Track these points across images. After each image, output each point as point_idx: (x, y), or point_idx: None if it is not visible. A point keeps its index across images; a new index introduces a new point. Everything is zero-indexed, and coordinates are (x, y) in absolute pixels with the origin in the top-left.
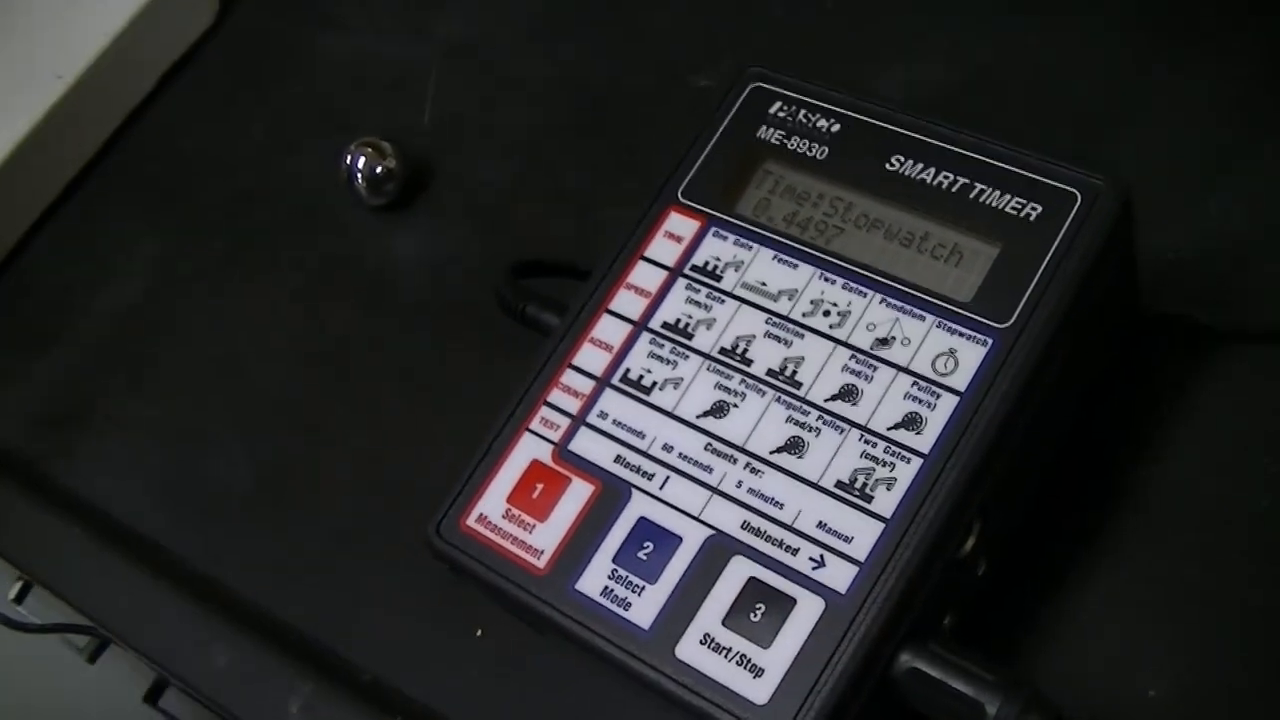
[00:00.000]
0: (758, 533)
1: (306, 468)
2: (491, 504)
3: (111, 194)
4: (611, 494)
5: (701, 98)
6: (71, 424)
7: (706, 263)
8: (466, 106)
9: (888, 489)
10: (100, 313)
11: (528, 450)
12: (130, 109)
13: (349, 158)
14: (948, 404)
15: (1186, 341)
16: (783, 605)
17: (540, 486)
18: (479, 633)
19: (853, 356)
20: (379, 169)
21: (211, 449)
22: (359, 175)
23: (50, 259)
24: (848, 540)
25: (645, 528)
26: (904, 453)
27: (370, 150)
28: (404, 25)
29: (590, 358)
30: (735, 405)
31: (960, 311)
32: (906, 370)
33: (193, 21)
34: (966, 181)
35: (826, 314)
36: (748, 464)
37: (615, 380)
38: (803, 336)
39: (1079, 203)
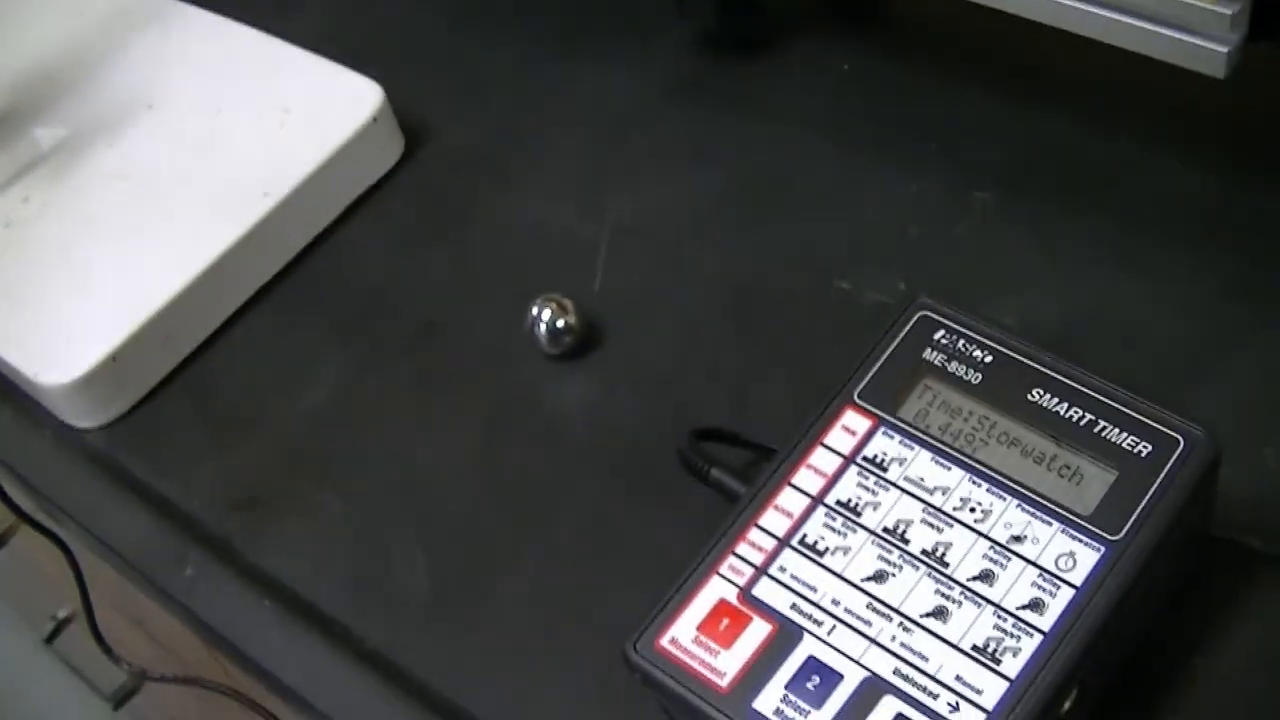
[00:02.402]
0: (906, 678)
1: (482, 581)
2: (683, 630)
3: (299, 306)
4: (786, 634)
5: (844, 300)
6: (261, 508)
7: (876, 456)
8: (633, 278)
9: (1014, 655)
10: (288, 413)
11: (717, 590)
12: (321, 230)
13: (535, 309)
14: (1066, 595)
15: (1244, 562)
16: None
17: (726, 621)
18: None
19: (991, 547)
20: (560, 323)
21: (391, 549)
22: (541, 325)
23: (242, 356)
24: (979, 692)
25: (813, 664)
26: (1028, 629)
27: (554, 305)
28: (579, 196)
29: (774, 521)
30: (893, 574)
31: (1080, 522)
32: (1034, 564)
33: (382, 158)
34: (1092, 418)
35: (972, 510)
36: (901, 623)
37: (794, 542)
38: (952, 526)
39: (1181, 447)
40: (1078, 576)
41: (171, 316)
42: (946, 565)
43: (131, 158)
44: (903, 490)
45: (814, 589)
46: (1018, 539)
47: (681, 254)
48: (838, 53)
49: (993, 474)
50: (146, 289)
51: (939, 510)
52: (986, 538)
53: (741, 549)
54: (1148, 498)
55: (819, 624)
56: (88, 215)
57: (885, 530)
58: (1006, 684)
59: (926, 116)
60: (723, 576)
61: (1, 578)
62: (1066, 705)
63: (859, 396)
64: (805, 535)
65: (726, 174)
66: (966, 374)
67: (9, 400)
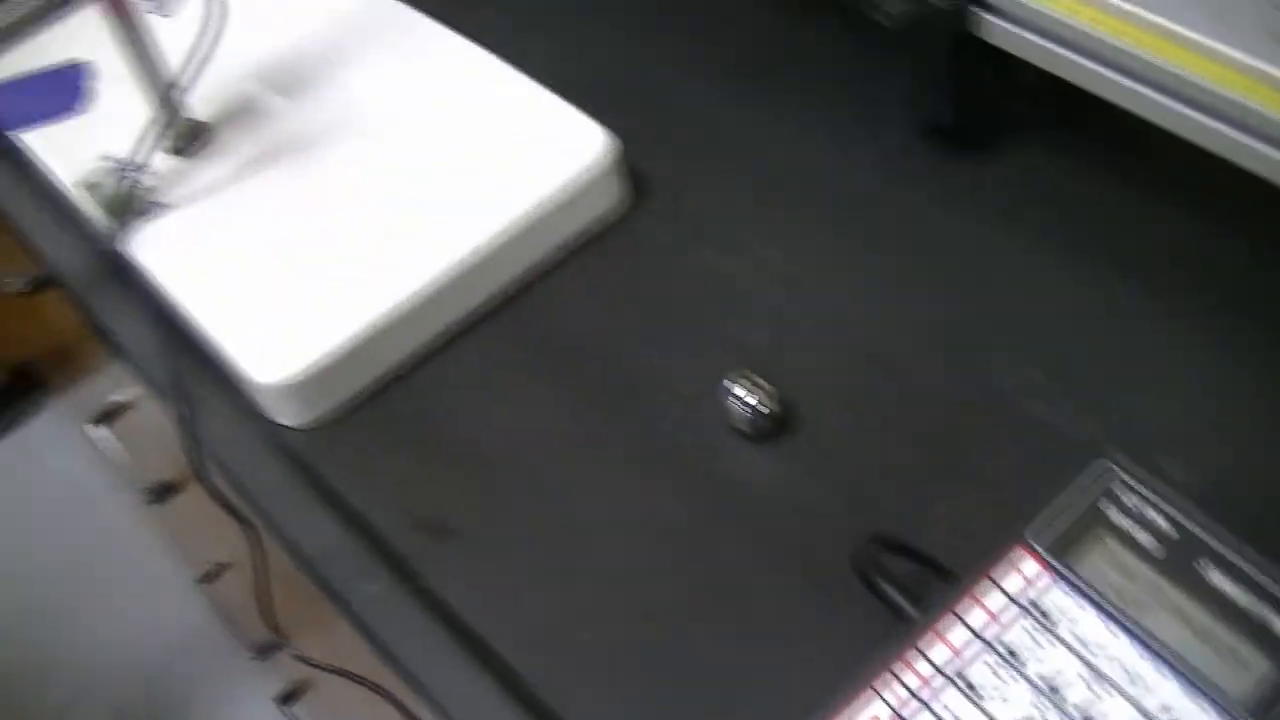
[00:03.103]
0: None
1: (638, 641)
2: None
3: (505, 340)
4: None
5: (1037, 421)
6: (444, 533)
7: (1045, 606)
8: (831, 363)
9: None
10: (480, 444)
11: (872, 708)
12: (537, 268)
13: (731, 383)
14: None
15: None
16: None
17: None
18: None
19: (1142, 714)
20: (754, 402)
21: (559, 593)
22: (735, 401)
23: (444, 380)
24: None
25: None
26: None
27: (750, 384)
28: (788, 270)
29: (938, 652)
30: None
31: (1232, 706)
32: None
33: (606, 206)
34: (1264, 605)
35: (1129, 675)
36: None
37: (956, 679)
38: (1109, 690)
39: None
40: None
41: (386, 332)
42: None
43: (366, 168)
44: (1067, 645)
45: None
46: (1166, 709)
47: (883, 347)
48: (1056, 161)
49: (1155, 643)
50: (366, 301)
51: (1098, 671)
52: (1138, 706)
53: (903, 673)
54: None
55: None
56: (318, 219)
57: (1042, 678)
58: None
59: (1143, 238)
60: (880, 696)
61: (174, 518)
62: None
63: (1035, 540)
64: (968, 674)
65: (936, 267)
66: (1143, 537)
67: (222, 387)
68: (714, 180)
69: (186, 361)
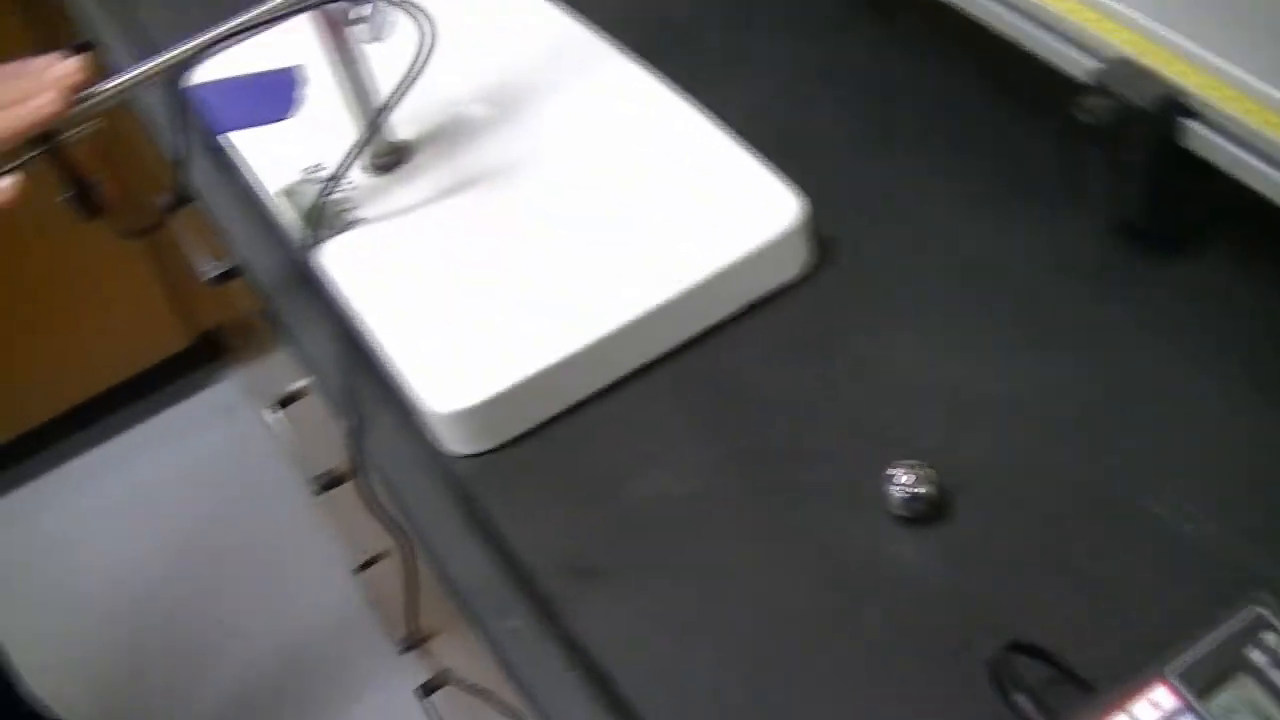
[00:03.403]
0: None
1: (765, 709)
2: None
3: (673, 392)
4: None
5: (1197, 543)
6: (591, 577)
7: None
8: (993, 456)
9: None
10: (637, 493)
11: None
12: (712, 325)
13: (894, 469)
14: None
15: None
16: None
17: None
18: None
19: None
20: (916, 490)
21: (694, 649)
22: (896, 486)
23: (610, 425)
24: None
25: None
26: None
27: (914, 471)
28: (961, 353)
29: None
30: None
31: None
32: None
33: (789, 269)
34: None
35: None
36: None
37: None
38: None
39: None
40: None
41: (561, 373)
42: None
43: (556, 205)
44: None
45: None
46: None
47: (1046, 444)
48: (1243, 273)
49: None
50: (545, 340)
51: None
52: None
53: None
54: None
55: None
56: (504, 251)
57: None
58: None
59: None
60: None
61: (337, 506)
62: None
63: (1172, 674)
64: None
65: (1104, 369)
66: None
67: (394, 404)
68: (895, 254)
69: (362, 375)
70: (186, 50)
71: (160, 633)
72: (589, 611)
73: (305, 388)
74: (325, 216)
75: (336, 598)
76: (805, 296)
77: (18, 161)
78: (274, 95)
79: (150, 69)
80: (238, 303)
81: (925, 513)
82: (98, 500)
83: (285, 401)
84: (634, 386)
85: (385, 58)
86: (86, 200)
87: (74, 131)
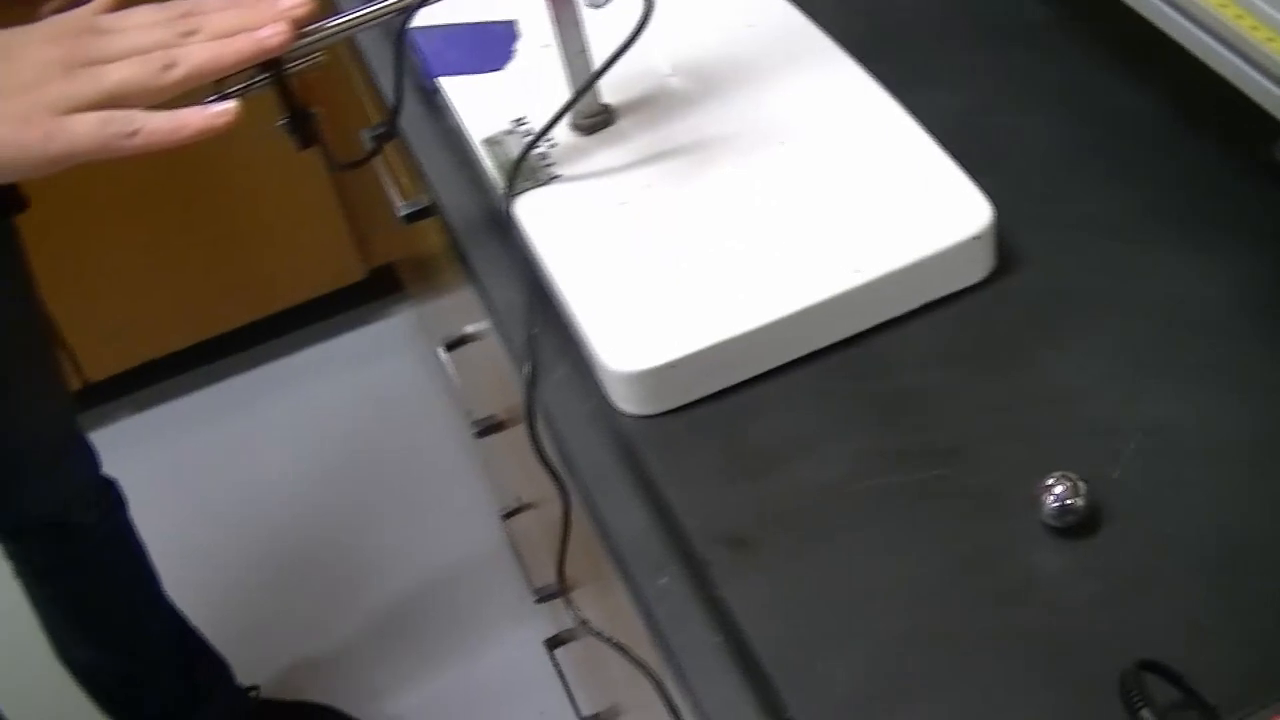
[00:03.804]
0: None
1: (891, 701)
2: None
3: (841, 381)
4: None
5: None
6: (743, 549)
7: None
8: (1154, 480)
9: None
10: (796, 473)
11: None
12: (887, 320)
13: (1050, 479)
14: None
15: None
16: None
17: None
18: None
19: None
20: (1069, 502)
21: (828, 635)
22: (1050, 496)
23: (777, 405)
24: None
25: None
26: None
27: (1070, 484)
28: (1127, 375)
29: None
30: None
31: None
32: None
33: (969, 274)
34: None
35: None
36: None
37: None
38: None
39: None
40: None
41: (739, 346)
42: None
43: (751, 182)
44: None
45: None
46: None
47: (1202, 474)
48: None
49: None
50: (727, 313)
51: None
52: None
53: None
54: None
55: None
56: (695, 222)
57: None
58: None
59: None
60: None
61: (493, 451)
62: None
63: None
64: None
65: (1273, 408)
66: None
67: (571, 359)
68: (1074, 271)
69: (544, 325)
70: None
71: (303, 556)
72: (736, 579)
73: (479, 332)
74: (526, 169)
75: (478, 540)
76: (981, 303)
77: (241, 86)
78: (489, 46)
79: (376, 10)
80: (423, 242)
81: (1075, 525)
82: (258, 418)
83: (456, 344)
84: (805, 370)
85: (602, 22)
86: (302, 130)
87: (298, 63)
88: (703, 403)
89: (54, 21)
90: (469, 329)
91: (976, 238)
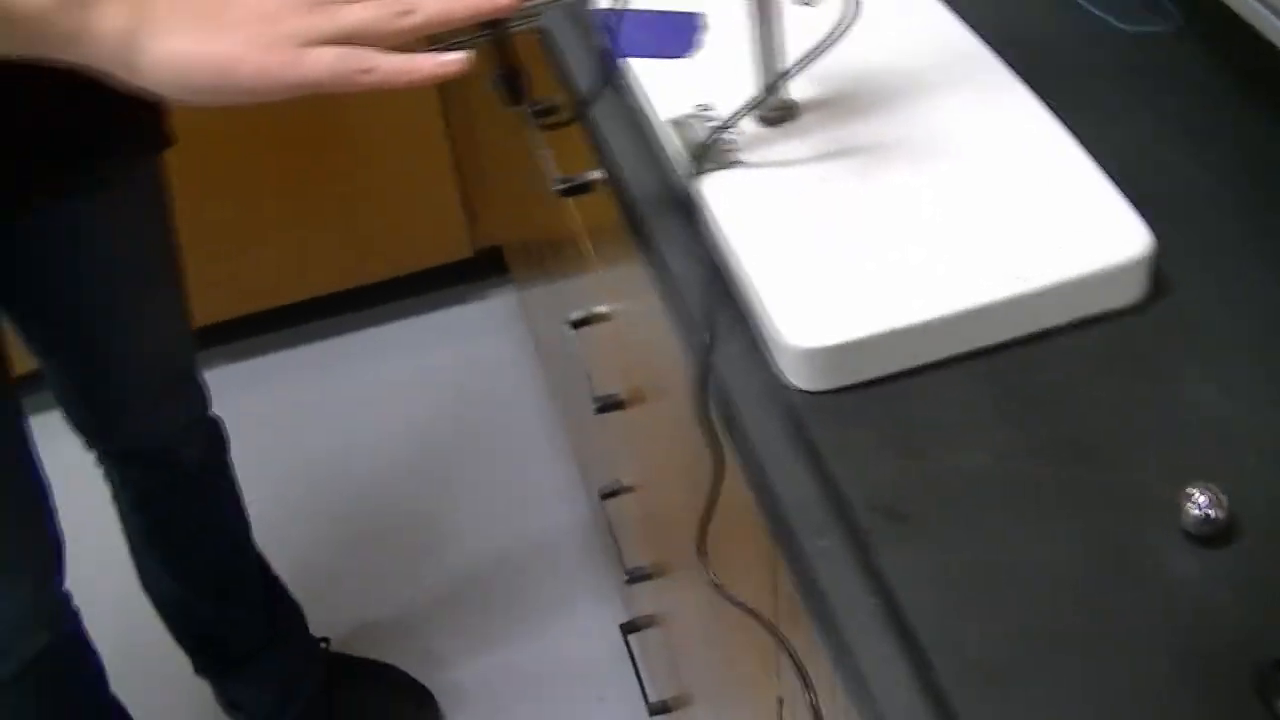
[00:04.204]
0: None
1: (1051, 679)
2: None
3: (993, 381)
4: None
5: None
6: (900, 524)
7: None
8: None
9: None
10: (943, 461)
11: None
12: (1044, 328)
13: (1191, 489)
14: None
15: None
16: None
17: None
18: None
19: None
20: (1210, 511)
21: (979, 607)
22: (1192, 504)
23: (937, 394)
24: None
25: None
26: None
27: (1212, 493)
28: (1270, 411)
29: None
30: None
31: None
32: None
33: (1121, 296)
34: None
35: None
36: None
37: None
38: None
39: None
40: None
41: (906, 336)
42: None
43: (922, 187)
44: None
45: None
46: None
47: None
48: None
49: None
50: (897, 304)
51: None
52: None
53: None
54: None
55: None
56: (871, 218)
57: None
58: None
59: None
60: None
61: (600, 431)
62: None
63: None
64: None
65: None
66: None
67: (740, 335)
68: (1225, 302)
69: (717, 299)
70: None
71: (382, 520)
72: (892, 548)
73: (607, 313)
74: (710, 153)
75: (557, 521)
76: (1133, 322)
77: (468, 39)
78: (675, 34)
79: None
80: (555, 222)
81: (1215, 535)
82: (352, 381)
83: (581, 322)
84: (965, 364)
85: (794, 18)
86: (513, 87)
87: (519, 24)
88: (868, 383)
89: None
90: (600, 308)
91: (1133, 261)
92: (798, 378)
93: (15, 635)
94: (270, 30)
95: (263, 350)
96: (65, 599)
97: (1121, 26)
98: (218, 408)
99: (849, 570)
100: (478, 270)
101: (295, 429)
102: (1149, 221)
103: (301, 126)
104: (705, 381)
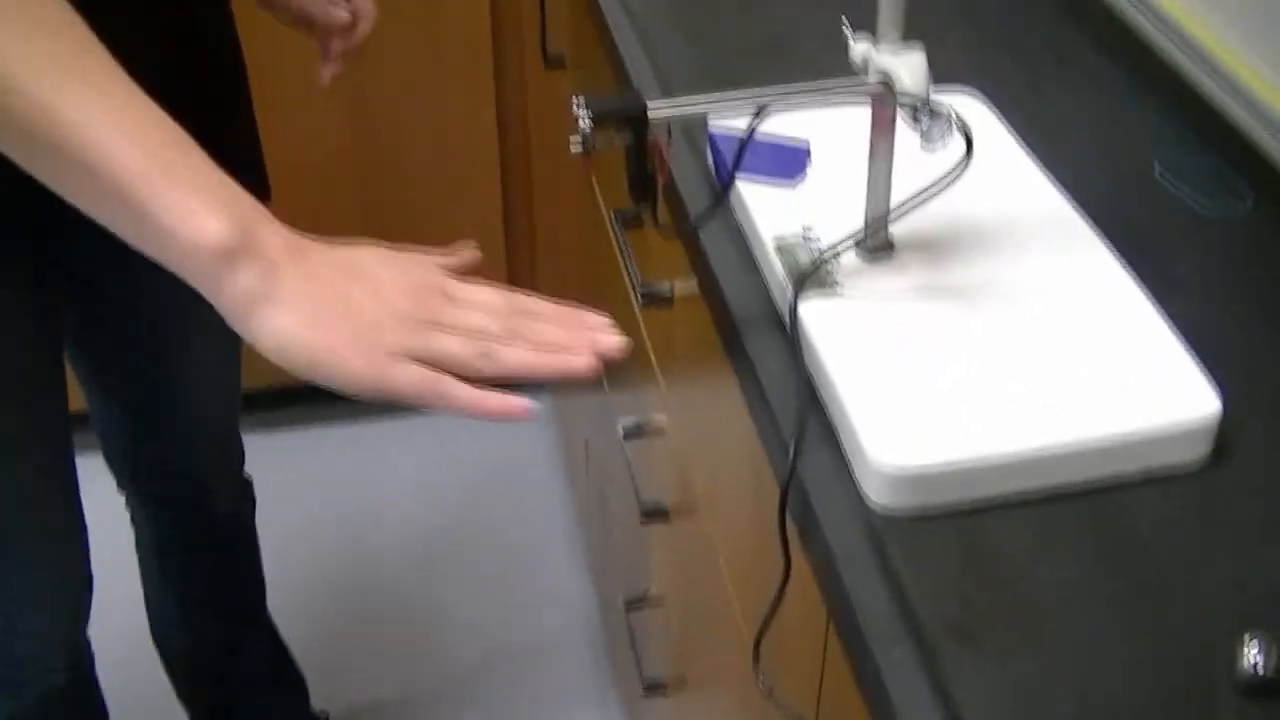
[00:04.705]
0: None
1: None
2: None
3: (1063, 524)
4: None
5: None
6: (970, 642)
7: None
8: None
9: None
10: (1018, 585)
11: None
12: (1109, 474)
13: (1250, 634)
14: None
15: None
16: None
17: None
18: None
19: None
20: (1266, 663)
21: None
22: (1248, 649)
23: (1012, 529)
24: None
25: None
26: None
27: (1269, 641)
28: None
29: None
30: None
31: None
32: None
33: (1183, 455)
34: None
35: None
36: None
37: None
38: None
39: None
40: None
41: (984, 468)
42: None
43: (1007, 330)
44: None
45: None
46: None
47: None
48: None
49: None
50: (980, 437)
51: None
52: None
53: None
54: None
55: None
56: (959, 353)
57: None
58: None
59: None
60: None
61: (636, 544)
62: None
63: None
64: None
65: None
66: None
67: (825, 450)
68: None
69: (807, 412)
70: (760, 98)
71: (393, 601)
72: (960, 669)
73: (661, 426)
74: (811, 276)
75: (571, 624)
76: (1202, 479)
77: (608, 139)
78: (784, 160)
79: (724, 100)
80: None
81: (1268, 686)
82: (383, 463)
83: (640, 430)
84: (1040, 501)
85: (904, 156)
86: (642, 188)
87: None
88: (945, 508)
89: (411, 274)
90: (658, 416)
91: (1202, 422)
92: (879, 496)
93: (32, 670)
94: (373, 335)
95: (295, 423)
96: (86, 642)
97: (1200, 205)
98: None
99: (918, 684)
100: None
101: (319, 504)
102: (1219, 386)
103: (353, 218)
104: (788, 489)
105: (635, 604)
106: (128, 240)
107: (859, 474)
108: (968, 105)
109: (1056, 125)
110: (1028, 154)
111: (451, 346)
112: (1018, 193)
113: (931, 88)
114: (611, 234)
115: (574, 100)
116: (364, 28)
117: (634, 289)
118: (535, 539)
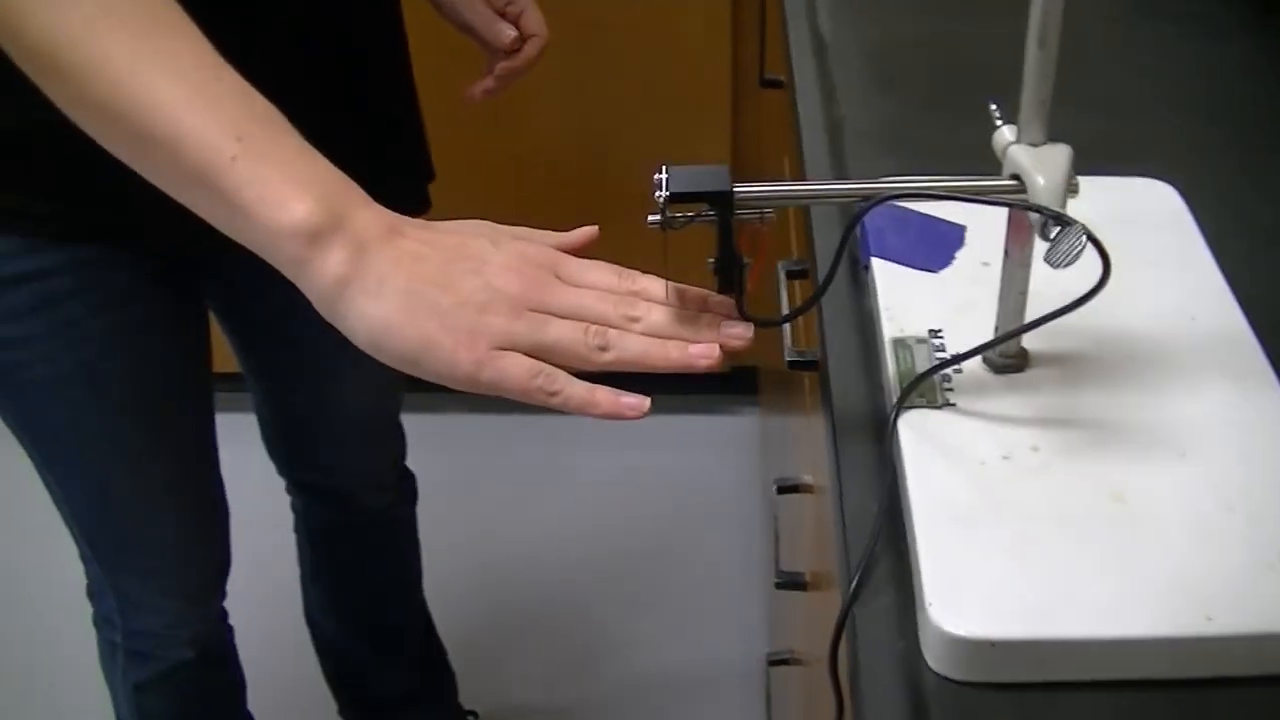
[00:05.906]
0: None
1: None
2: None
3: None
4: None
5: None
6: None
7: None
8: None
9: None
10: None
11: None
12: (1212, 675)
13: None
14: None
15: None
16: None
17: None
18: None
19: None
20: None
21: None
22: None
23: (1072, 711)
24: None
25: None
26: None
27: None
28: None
29: None
30: None
31: None
32: None
33: None
34: None
35: None
36: None
37: None
38: None
39: None
40: None
41: (1066, 649)
42: None
43: (1134, 482)
44: None
45: None
46: None
47: None
48: None
49: None
50: (1066, 611)
51: None
52: None
53: None
54: None
55: None
56: (1065, 505)
57: None
58: None
59: None
60: None
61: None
62: None
63: None
64: None
65: None
66: None
67: (894, 587)
68: None
69: (884, 543)
70: (866, 190)
71: (554, 609)
72: None
73: (811, 484)
74: (925, 385)
75: (734, 659)
76: None
77: (686, 217)
78: (931, 244)
79: (838, 191)
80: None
81: None
82: (568, 462)
83: (789, 488)
84: (1115, 690)
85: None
86: (728, 275)
87: (748, 213)
88: (1008, 685)
89: (522, 249)
90: (808, 478)
91: None
92: (936, 660)
93: (157, 644)
94: (474, 322)
95: (478, 408)
96: (220, 618)
97: None
98: (414, 454)
99: None
100: (731, 386)
101: (489, 498)
102: None
103: (579, 186)
104: (841, 631)
105: (777, 661)
106: (218, 226)
107: (921, 631)
108: (1155, 196)
109: (1267, 232)
110: (1215, 264)
111: (563, 333)
112: (1194, 309)
113: (1077, 182)
114: (778, 282)
115: (658, 171)
116: (530, 50)
117: (783, 347)
118: (716, 565)
